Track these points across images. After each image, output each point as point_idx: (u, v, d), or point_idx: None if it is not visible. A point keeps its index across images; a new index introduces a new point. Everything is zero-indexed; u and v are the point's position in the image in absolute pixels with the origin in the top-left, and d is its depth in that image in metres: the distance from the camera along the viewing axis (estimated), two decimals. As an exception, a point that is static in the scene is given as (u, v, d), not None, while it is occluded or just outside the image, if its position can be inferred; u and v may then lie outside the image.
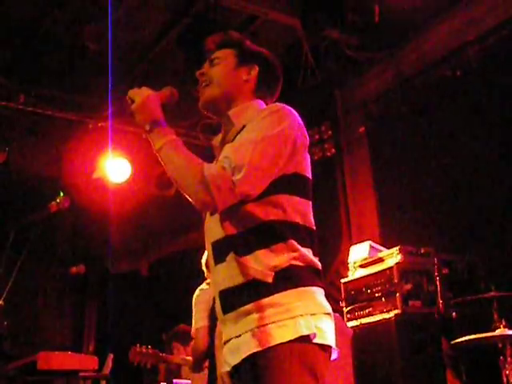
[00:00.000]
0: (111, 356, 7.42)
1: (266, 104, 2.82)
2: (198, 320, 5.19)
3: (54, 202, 4.43)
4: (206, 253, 5.25)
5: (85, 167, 8.56)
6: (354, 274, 6.29)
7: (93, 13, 6.66)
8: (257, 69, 2.80)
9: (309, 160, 2.69)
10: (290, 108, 2.65)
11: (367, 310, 5.94)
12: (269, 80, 2.87)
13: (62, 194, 4.53)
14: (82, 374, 6.49)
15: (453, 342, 5.23)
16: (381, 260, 6.04)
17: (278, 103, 2.68)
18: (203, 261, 5.26)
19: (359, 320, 5.99)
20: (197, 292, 5.32)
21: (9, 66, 7.48)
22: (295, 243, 2.53)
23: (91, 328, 11.07)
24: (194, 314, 5.25)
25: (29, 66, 7.47)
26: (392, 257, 5.91)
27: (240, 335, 2.50)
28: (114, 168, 8.46)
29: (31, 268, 9.63)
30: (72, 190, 7.23)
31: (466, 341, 5.08)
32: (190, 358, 5.47)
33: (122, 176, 8.55)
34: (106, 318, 10.38)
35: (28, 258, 4.41)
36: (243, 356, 2.45)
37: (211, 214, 2.66)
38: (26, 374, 6.36)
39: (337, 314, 5.87)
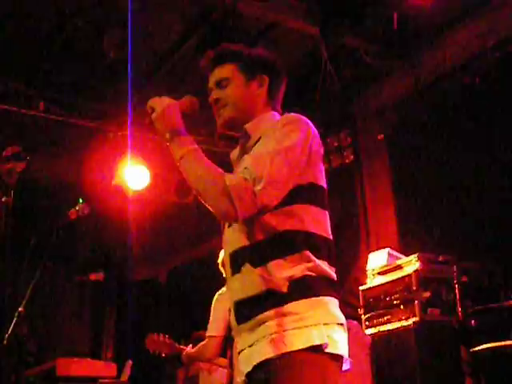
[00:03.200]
0: (130, 363, 7.43)
1: (277, 109, 2.83)
2: (214, 328, 5.23)
3: (73, 209, 4.44)
4: (221, 252, 5.28)
5: (104, 174, 8.59)
6: (373, 281, 6.27)
7: (112, 21, 6.69)
8: (267, 79, 2.81)
9: (323, 170, 2.70)
10: (305, 118, 2.66)
11: (385, 318, 5.91)
12: (278, 85, 2.87)
13: (81, 200, 4.54)
14: (100, 380, 6.52)
15: (472, 351, 5.21)
16: (399, 267, 6.01)
17: (293, 114, 2.69)
18: (219, 261, 5.27)
19: (377, 327, 5.97)
20: (216, 296, 5.34)
21: (29, 74, 7.53)
22: (310, 254, 2.53)
23: (110, 335, 11.09)
24: (210, 319, 5.28)
25: (49, 74, 7.51)
26: (410, 264, 5.88)
27: (253, 344, 2.52)
28: (133, 175, 8.47)
29: (51, 275, 9.68)
30: (91, 197, 7.26)
31: (485, 349, 5.06)
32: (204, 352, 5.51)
33: (141, 183, 8.56)
34: (125, 324, 10.40)
35: (48, 264, 4.42)
36: (254, 362, 2.47)
37: (229, 225, 2.67)
38: (45, 380, 6.40)
39: (355, 322, 5.88)
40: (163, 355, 5.71)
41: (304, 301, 2.47)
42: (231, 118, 2.78)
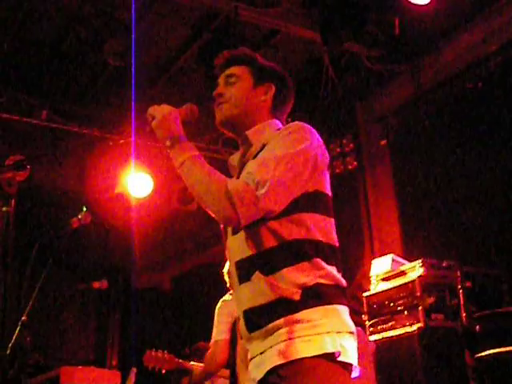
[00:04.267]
0: (134, 371, 7.41)
1: (281, 122, 2.84)
2: (219, 332, 5.18)
3: (75, 218, 4.44)
4: (227, 262, 5.24)
5: (107, 182, 8.59)
6: (377, 287, 6.26)
7: (114, 29, 6.70)
8: (273, 88, 2.82)
9: (328, 178, 2.69)
10: (310, 127, 2.65)
11: (390, 324, 5.90)
12: (284, 98, 2.88)
13: (85, 209, 4.54)
14: (104, 388, 6.50)
15: (476, 356, 5.19)
16: (403, 273, 6.00)
17: (298, 122, 2.68)
18: (225, 270, 5.23)
19: (382, 334, 5.96)
20: (219, 303, 5.30)
21: (31, 83, 7.54)
22: (321, 261, 2.52)
23: (114, 343, 11.07)
24: (215, 325, 5.24)
25: (51, 83, 7.53)
26: (414, 270, 5.87)
27: (264, 351, 2.50)
28: (136, 183, 8.47)
29: (54, 283, 9.67)
30: (95, 205, 7.25)
31: (489, 355, 5.04)
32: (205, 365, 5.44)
33: (144, 191, 8.57)
34: (129, 332, 10.39)
35: (51, 273, 4.42)
36: (268, 368, 2.45)
37: (233, 232, 2.66)
38: (49, 389, 6.38)
39: (359, 328, 5.85)
40: (163, 371, 5.63)
41: (317, 308, 2.46)
42: (230, 115, 2.78)
